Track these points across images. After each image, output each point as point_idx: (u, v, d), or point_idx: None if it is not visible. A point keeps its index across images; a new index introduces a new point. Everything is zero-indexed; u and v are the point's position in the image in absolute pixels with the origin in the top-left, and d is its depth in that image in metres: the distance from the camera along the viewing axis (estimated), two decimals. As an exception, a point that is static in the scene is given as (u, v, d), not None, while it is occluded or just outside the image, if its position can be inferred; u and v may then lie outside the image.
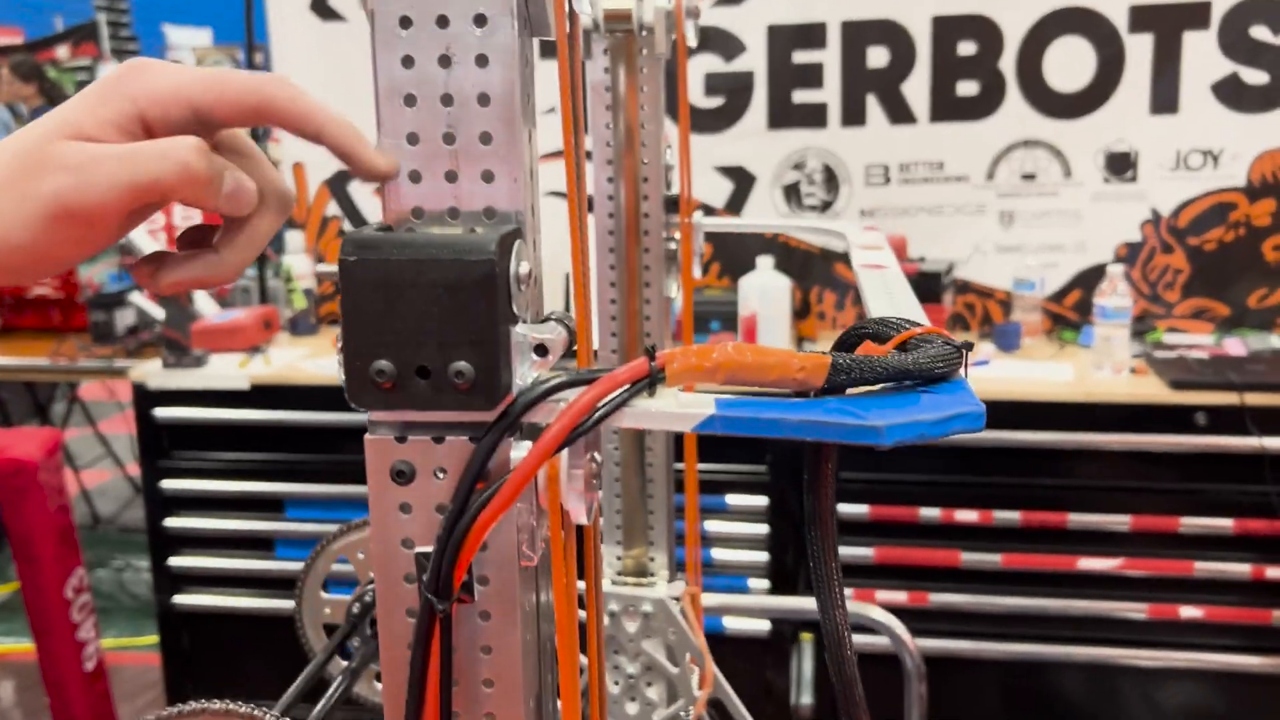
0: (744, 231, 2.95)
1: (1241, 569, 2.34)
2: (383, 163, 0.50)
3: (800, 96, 2.85)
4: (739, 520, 2.52)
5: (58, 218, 0.47)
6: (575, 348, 0.55)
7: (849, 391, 0.51)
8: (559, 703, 0.57)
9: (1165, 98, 2.69)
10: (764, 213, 2.90)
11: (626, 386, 0.48)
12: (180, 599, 2.77)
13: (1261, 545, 2.32)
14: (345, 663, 1.00)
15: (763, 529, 2.50)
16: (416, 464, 0.50)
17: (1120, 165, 2.74)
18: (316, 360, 2.73)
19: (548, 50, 0.62)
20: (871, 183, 2.85)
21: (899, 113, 2.80)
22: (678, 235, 1.17)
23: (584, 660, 0.64)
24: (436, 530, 0.50)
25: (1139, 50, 2.67)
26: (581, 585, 0.61)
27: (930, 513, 2.42)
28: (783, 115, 2.86)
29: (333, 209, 3.09)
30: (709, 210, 2.91)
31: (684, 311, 1.31)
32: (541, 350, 0.50)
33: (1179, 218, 2.73)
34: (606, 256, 1.16)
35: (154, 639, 2.93)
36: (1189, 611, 2.36)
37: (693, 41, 1.13)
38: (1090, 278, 2.77)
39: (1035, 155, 2.78)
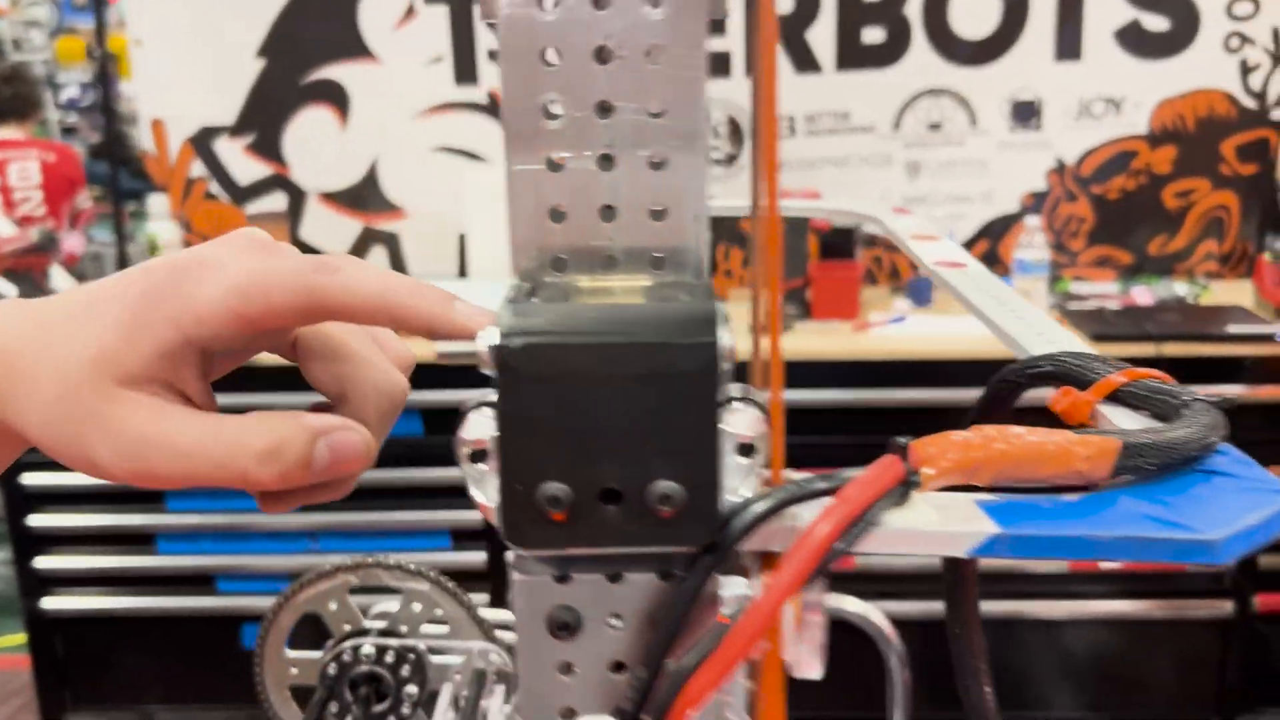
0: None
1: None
2: (478, 323, 0.37)
3: (703, 44, 2.71)
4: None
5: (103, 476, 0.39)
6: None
7: (1116, 477, 0.40)
8: None
9: (1069, 45, 2.66)
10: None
11: (879, 496, 0.36)
12: (50, 602, 2.53)
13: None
14: (325, 734, 0.85)
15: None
16: (584, 611, 0.37)
17: (1025, 114, 2.71)
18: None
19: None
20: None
21: (804, 61, 2.70)
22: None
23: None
24: (619, 699, 0.37)
25: (1044, -4, 2.64)
26: None
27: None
28: (685, 64, 2.72)
29: (198, 169, 2.83)
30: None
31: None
32: (747, 450, 0.37)
33: (1083, 166, 2.72)
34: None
35: (20, 639, 2.69)
36: (1108, 564, 2.38)
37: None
38: (997, 228, 2.75)
39: (941, 104, 2.72)
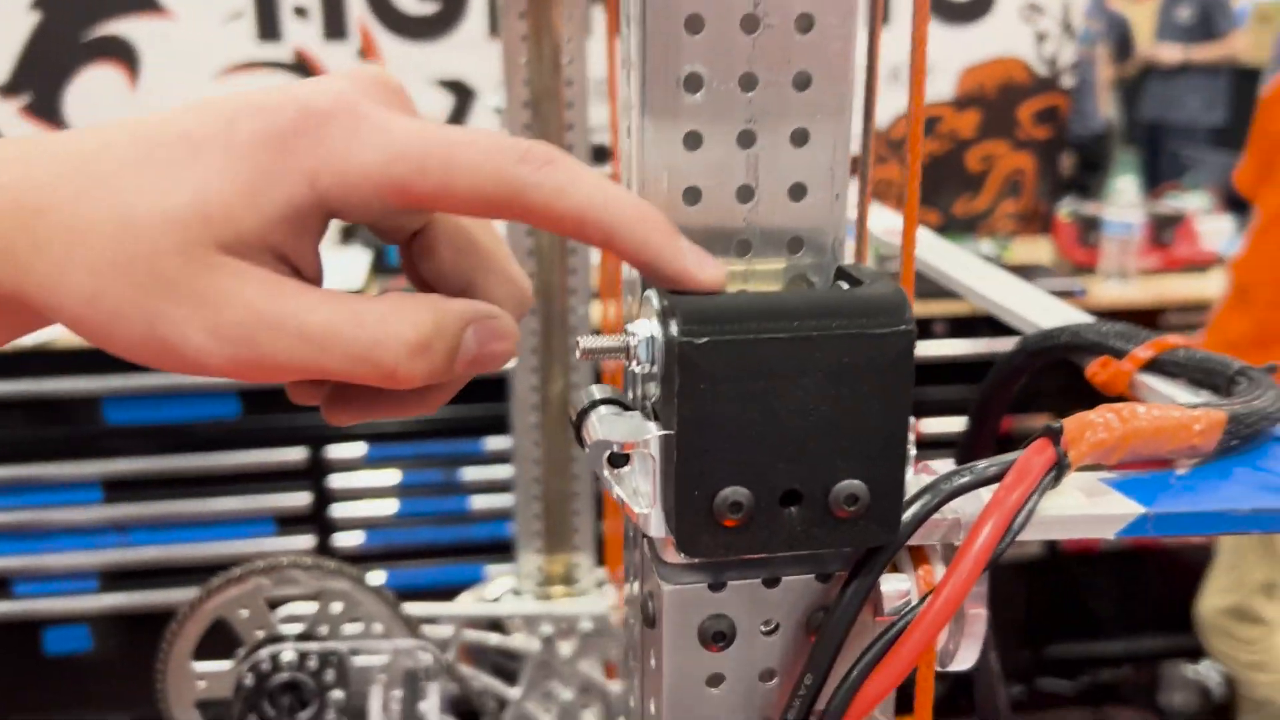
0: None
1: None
2: (705, 275, 0.32)
3: None
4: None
5: (183, 366, 0.30)
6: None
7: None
8: None
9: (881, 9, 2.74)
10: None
11: (1039, 482, 0.35)
12: None
13: (1003, 444, 2.48)
14: (248, 751, 0.79)
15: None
16: (739, 620, 0.35)
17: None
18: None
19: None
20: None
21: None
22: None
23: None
24: (768, 709, 0.35)
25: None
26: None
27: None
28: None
29: None
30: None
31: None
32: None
33: (892, 130, 2.82)
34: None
35: None
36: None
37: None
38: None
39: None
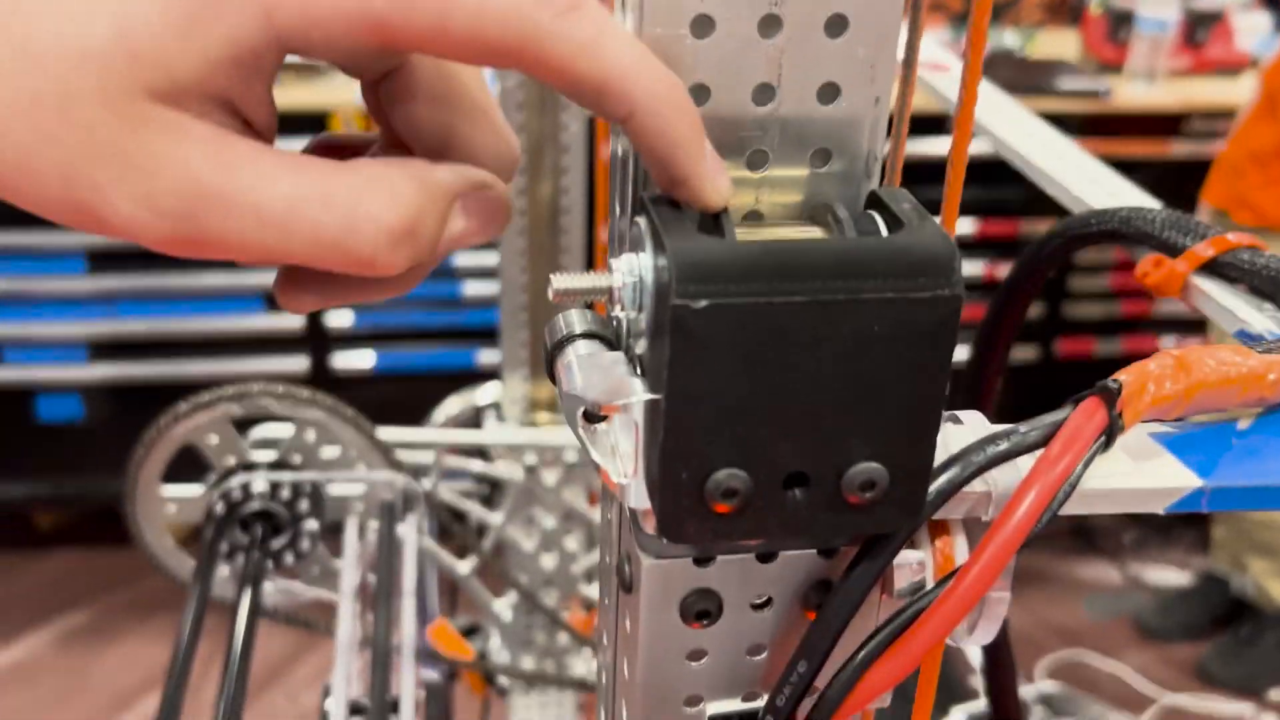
0: None
1: (974, 268, 2.45)
2: (717, 192, 0.26)
3: None
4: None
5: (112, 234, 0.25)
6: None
7: None
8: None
9: None
10: None
11: (1088, 451, 0.30)
12: None
13: (998, 247, 2.43)
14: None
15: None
16: (727, 595, 0.30)
17: None
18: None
19: None
20: None
21: None
22: None
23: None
24: (753, 684, 0.31)
25: None
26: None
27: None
28: None
29: None
30: None
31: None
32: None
33: None
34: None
35: None
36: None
37: None
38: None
39: None
